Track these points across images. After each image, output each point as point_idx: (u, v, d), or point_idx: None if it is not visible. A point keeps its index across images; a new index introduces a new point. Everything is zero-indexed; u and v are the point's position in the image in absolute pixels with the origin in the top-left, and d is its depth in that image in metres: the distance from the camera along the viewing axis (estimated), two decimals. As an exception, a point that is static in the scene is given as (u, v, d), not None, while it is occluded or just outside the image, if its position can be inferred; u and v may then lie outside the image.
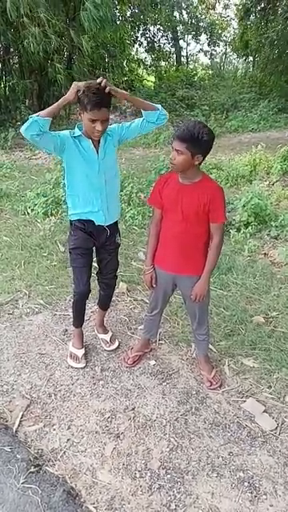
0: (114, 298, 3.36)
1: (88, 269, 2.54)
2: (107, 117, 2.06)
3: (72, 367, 2.66)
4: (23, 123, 2.04)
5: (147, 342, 2.76)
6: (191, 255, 2.21)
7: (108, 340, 2.84)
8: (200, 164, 2.03)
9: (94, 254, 2.59)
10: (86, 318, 3.13)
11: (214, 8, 20.59)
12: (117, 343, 2.85)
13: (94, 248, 2.53)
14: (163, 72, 18.83)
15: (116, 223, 2.53)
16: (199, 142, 1.92)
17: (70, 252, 2.52)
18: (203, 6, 20.13)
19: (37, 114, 2.02)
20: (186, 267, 2.25)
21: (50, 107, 2.07)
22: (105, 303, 2.85)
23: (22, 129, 2.02)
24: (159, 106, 2.29)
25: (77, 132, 2.18)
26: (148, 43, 19.11)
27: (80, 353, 2.70)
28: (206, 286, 2.23)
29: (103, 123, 2.06)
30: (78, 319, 2.73)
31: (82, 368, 2.65)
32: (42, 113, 2.02)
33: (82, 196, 2.33)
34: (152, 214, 2.35)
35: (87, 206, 2.34)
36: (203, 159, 2.00)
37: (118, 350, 2.82)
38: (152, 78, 18.75)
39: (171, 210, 2.17)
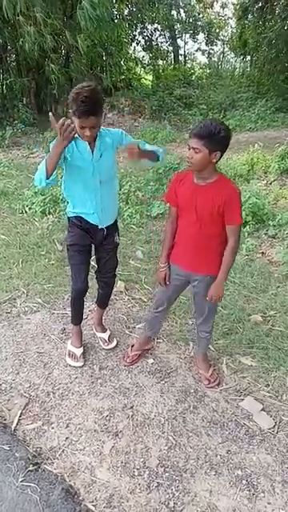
0: (112, 297, 3.37)
1: (85, 266, 2.53)
2: (96, 124, 2.05)
3: (70, 366, 2.66)
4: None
5: (148, 340, 2.76)
6: (206, 255, 2.18)
7: (106, 339, 2.85)
8: (217, 162, 2.00)
9: (93, 253, 2.60)
10: (84, 316, 3.13)
11: (211, 7, 20.58)
12: (115, 342, 2.85)
13: (92, 246, 2.53)
14: (161, 71, 18.81)
15: (115, 223, 2.53)
16: (216, 138, 1.89)
17: (67, 249, 2.52)
18: (201, 5, 20.11)
19: (43, 171, 2.09)
20: (200, 267, 2.23)
21: (49, 165, 2.09)
22: (103, 302, 2.85)
23: (37, 184, 2.19)
24: (161, 157, 2.39)
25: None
26: (146, 42, 19.05)
27: (78, 352, 2.70)
28: (222, 288, 2.20)
29: (92, 130, 2.07)
30: (77, 317, 2.73)
31: (80, 367, 2.65)
32: (48, 173, 2.09)
33: (78, 197, 2.35)
34: (169, 212, 2.34)
35: (82, 207, 2.36)
36: (221, 156, 1.98)
37: (117, 348, 2.82)
38: (150, 77, 18.73)
39: (186, 210, 2.15)
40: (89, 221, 2.39)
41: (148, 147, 2.35)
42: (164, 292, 2.47)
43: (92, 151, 2.21)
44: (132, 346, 2.76)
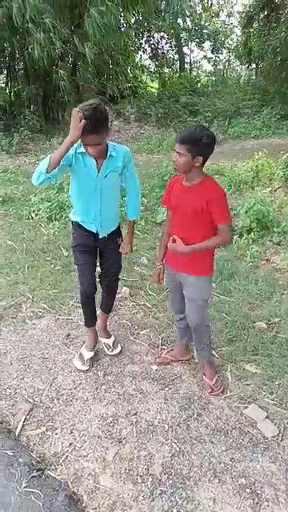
0: (116, 303, 3.38)
1: (90, 267, 2.55)
2: (97, 141, 2.09)
3: (76, 369, 2.67)
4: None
5: (184, 349, 2.75)
6: (191, 255, 2.22)
7: (111, 345, 2.85)
8: (202, 166, 2.09)
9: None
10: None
11: (217, 16, 20.74)
12: (119, 348, 2.85)
13: (97, 248, 2.58)
14: (167, 79, 18.94)
15: (117, 228, 2.59)
16: (199, 144, 1.99)
17: (73, 251, 2.59)
18: (207, 14, 20.27)
19: (45, 164, 2.05)
20: (185, 266, 2.28)
21: (55, 155, 2.07)
22: (107, 306, 2.86)
23: (34, 182, 2.13)
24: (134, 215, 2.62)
25: (83, 148, 2.20)
26: (152, 50, 19.24)
27: (88, 355, 2.71)
28: (183, 249, 2.15)
29: (94, 147, 2.11)
30: (89, 320, 2.74)
31: (84, 371, 2.65)
32: (51, 165, 2.06)
33: (79, 205, 2.45)
34: (166, 214, 2.45)
35: (82, 216, 2.45)
36: (204, 161, 2.06)
37: (121, 354, 2.82)
38: (155, 85, 18.86)
39: (175, 211, 2.25)
40: (88, 229, 2.47)
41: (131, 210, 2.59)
42: (170, 299, 2.54)
43: (98, 169, 2.26)
44: (171, 350, 2.79)
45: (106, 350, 2.85)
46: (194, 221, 2.14)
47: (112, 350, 2.83)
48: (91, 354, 2.73)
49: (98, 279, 2.71)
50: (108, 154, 2.26)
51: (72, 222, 2.54)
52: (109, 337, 2.90)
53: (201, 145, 2.00)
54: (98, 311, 2.88)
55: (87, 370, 2.67)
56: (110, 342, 2.86)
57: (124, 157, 2.34)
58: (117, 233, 2.59)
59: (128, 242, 2.62)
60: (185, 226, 2.19)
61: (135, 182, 2.52)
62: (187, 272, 2.29)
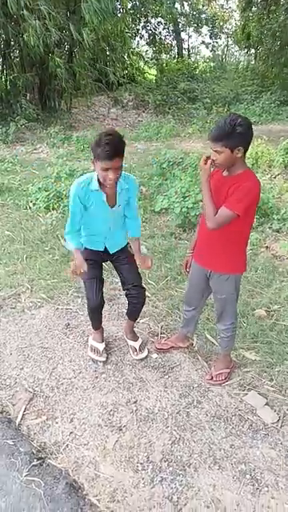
0: (115, 292, 3.38)
1: (97, 281, 2.49)
2: (120, 165, 2.06)
3: (93, 360, 2.66)
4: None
5: (184, 337, 2.73)
6: (219, 251, 2.16)
7: (137, 348, 2.71)
8: (244, 155, 1.97)
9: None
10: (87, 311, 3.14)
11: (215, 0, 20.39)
12: (146, 352, 2.72)
13: (104, 262, 2.59)
14: (164, 65, 18.71)
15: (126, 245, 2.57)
16: (233, 136, 1.86)
17: None
18: (204, -1, 19.95)
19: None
20: (216, 264, 2.21)
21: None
22: (132, 315, 2.73)
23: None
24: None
25: (94, 185, 2.18)
26: (149, 36, 18.98)
27: (101, 346, 2.69)
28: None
29: (115, 171, 2.05)
30: (96, 324, 2.71)
31: (103, 362, 2.64)
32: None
33: (87, 234, 2.43)
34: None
35: (91, 245, 2.46)
36: (246, 150, 1.94)
37: (120, 343, 2.82)
38: (153, 71, 18.64)
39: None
40: (98, 249, 2.48)
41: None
42: (188, 291, 2.49)
43: (107, 201, 2.24)
44: (168, 338, 2.78)
45: (131, 353, 2.72)
46: None
47: (137, 354, 2.69)
48: (103, 345, 2.70)
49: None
50: (120, 187, 2.23)
51: None
52: (136, 339, 2.77)
53: (236, 136, 1.87)
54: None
55: (105, 361, 2.65)
56: (136, 344, 2.73)
57: (132, 187, 2.31)
58: (126, 245, 2.56)
59: (142, 258, 2.52)
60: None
61: (136, 205, 2.45)
62: (218, 271, 2.22)
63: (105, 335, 2.82)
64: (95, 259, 2.46)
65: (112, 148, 1.96)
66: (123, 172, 2.19)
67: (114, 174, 2.05)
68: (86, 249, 2.45)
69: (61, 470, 1.98)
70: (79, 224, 2.32)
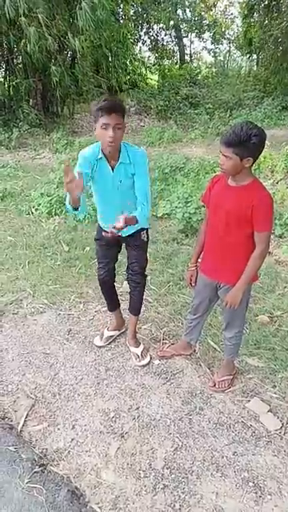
0: (118, 297, 3.37)
1: (108, 261, 2.59)
2: (120, 123, 2.01)
3: (95, 345, 2.82)
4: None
5: (186, 345, 2.71)
6: (231, 262, 2.12)
7: (139, 354, 2.71)
8: (251, 166, 1.93)
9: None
10: (89, 317, 3.15)
11: (214, 6, 20.47)
12: (148, 358, 2.71)
13: (120, 243, 2.58)
14: (167, 70, 18.78)
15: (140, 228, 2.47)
16: (247, 146, 1.81)
17: (95, 243, 2.64)
18: (203, 6, 20.00)
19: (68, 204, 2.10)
20: (225, 275, 2.18)
21: (69, 198, 2.05)
22: (134, 306, 2.72)
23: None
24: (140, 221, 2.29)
25: (99, 154, 2.17)
26: (151, 42, 19.08)
27: (107, 333, 2.77)
28: (240, 295, 2.10)
29: (115, 130, 2.00)
30: (110, 304, 2.79)
31: (99, 347, 2.76)
32: (72, 203, 2.05)
33: (100, 210, 2.45)
34: (205, 213, 2.31)
35: (103, 220, 2.45)
36: (254, 161, 1.90)
37: (122, 349, 2.82)
38: (155, 77, 18.71)
39: (214, 210, 2.11)
40: None
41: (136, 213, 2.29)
42: (195, 299, 2.47)
43: (112, 168, 2.20)
44: (172, 344, 2.77)
45: (133, 359, 2.71)
46: (237, 225, 2.00)
47: (140, 361, 2.68)
48: (110, 333, 2.77)
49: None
50: (121, 160, 2.18)
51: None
52: (137, 345, 2.76)
53: (249, 146, 1.81)
54: (100, 307, 2.83)
55: (102, 347, 2.76)
56: (138, 351, 2.72)
57: (138, 162, 2.23)
58: (141, 230, 2.49)
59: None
60: (223, 226, 2.05)
61: (143, 187, 2.31)
62: (226, 282, 2.19)
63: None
64: (109, 239, 2.40)
65: (110, 103, 1.97)
66: (134, 146, 2.19)
67: (114, 133, 2.00)
68: (100, 228, 2.49)
69: (62, 476, 1.97)
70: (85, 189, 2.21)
